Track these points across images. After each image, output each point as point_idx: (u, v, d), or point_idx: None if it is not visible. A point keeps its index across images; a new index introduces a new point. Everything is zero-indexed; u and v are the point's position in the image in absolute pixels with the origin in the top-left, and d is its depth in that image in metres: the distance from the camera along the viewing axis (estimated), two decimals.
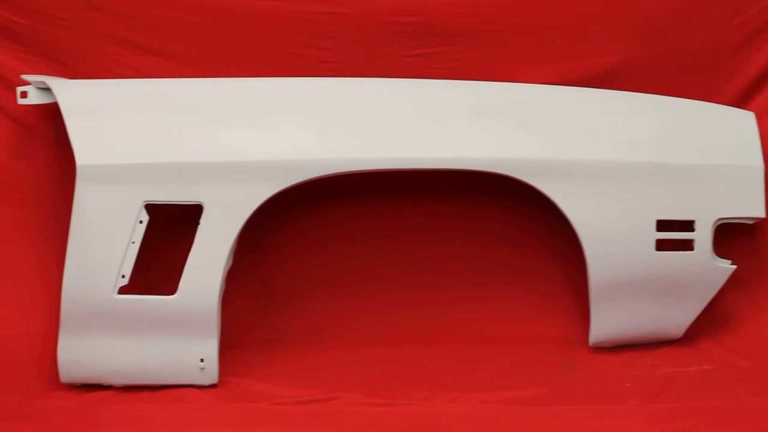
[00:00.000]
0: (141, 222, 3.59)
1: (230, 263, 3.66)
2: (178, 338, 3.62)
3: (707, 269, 3.82)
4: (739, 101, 4.03)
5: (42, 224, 3.89)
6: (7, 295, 3.87)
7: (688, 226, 3.80)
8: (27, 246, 3.90)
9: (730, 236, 3.94)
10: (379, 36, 3.95)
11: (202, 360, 3.64)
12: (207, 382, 3.66)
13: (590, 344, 3.92)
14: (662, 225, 3.77)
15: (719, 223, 3.81)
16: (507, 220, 4.09)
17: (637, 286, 3.79)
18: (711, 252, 3.81)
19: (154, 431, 3.40)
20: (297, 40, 3.95)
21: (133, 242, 3.58)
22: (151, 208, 3.60)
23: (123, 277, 3.58)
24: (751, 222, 3.86)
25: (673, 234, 3.79)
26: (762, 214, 3.83)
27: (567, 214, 3.74)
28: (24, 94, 3.72)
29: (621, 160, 3.76)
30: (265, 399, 3.58)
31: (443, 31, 3.96)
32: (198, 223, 3.61)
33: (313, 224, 4.06)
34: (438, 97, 3.82)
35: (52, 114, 3.81)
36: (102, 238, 3.58)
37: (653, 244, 3.77)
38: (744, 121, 3.90)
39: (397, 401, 3.55)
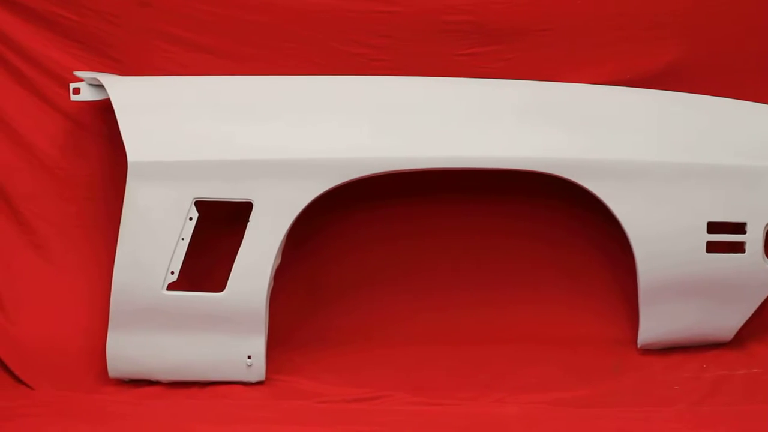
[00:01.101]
0: (191, 219, 3.60)
1: (279, 261, 3.67)
2: (225, 335, 3.63)
3: (758, 272, 3.79)
4: None
5: (94, 220, 3.92)
6: (58, 290, 3.90)
7: (739, 228, 3.77)
8: (79, 241, 3.93)
9: None
10: (430, 35, 3.95)
11: (249, 357, 3.66)
12: (254, 379, 3.68)
13: (639, 346, 3.90)
14: (713, 227, 3.75)
15: None
16: (556, 221, 4.08)
17: (686, 288, 3.77)
18: (762, 254, 3.78)
19: (201, 427, 3.41)
20: (349, 38, 3.96)
21: (183, 239, 3.60)
22: (200, 205, 3.62)
23: (172, 273, 3.60)
24: None
25: (724, 236, 3.76)
26: None
27: (617, 214, 3.73)
28: (76, 91, 3.74)
29: (672, 161, 3.73)
30: (311, 397, 3.60)
31: (494, 30, 3.95)
32: (247, 221, 3.62)
33: (361, 222, 4.07)
34: (488, 97, 3.81)
35: (104, 110, 3.83)
36: (152, 235, 3.60)
37: (704, 246, 3.74)
38: None
39: (444, 401, 3.56)
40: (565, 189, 3.82)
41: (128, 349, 3.64)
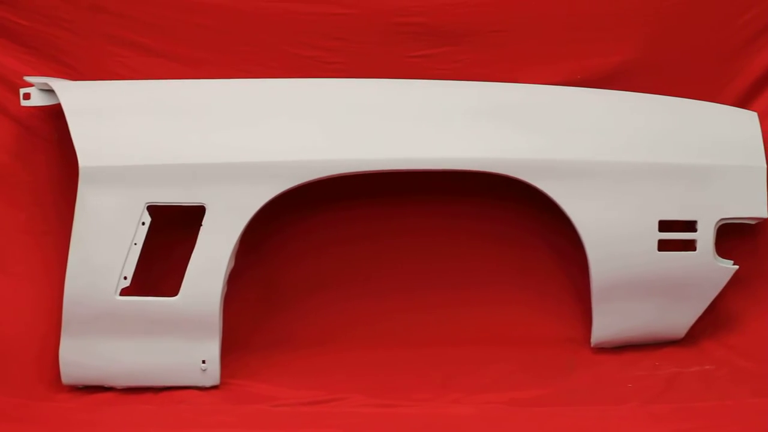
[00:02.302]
0: (143, 223, 3.59)
1: (232, 265, 3.67)
2: (179, 340, 3.62)
3: (709, 269, 3.82)
4: (743, 101, 4.03)
5: (44, 226, 3.88)
6: (9, 297, 3.85)
7: (690, 226, 3.79)
8: (29, 248, 3.89)
9: (732, 236, 3.94)
10: (383, 37, 3.95)
11: (203, 361, 3.65)
12: (209, 383, 3.67)
13: (592, 345, 3.92)
14: (664, 225, 3.77)
15: (721, 223, 3.81)
16: (510, 221, 4.09)
17: (639, 286, 3.79)
18: (713, 252, 3.80)
19: None
20: (301, 41, 3.95)
21: (135, 244, 3.59)
22: (153, 210, 3.60)
23: (125, 278, 3.58)
24: (753, 222, 3.87)
25: (676, 234, 3.79)
26: (764, 215, 3.83)
27: (569, 214, 3.74)
28: (27, 96, 3.71)
29: (623, 161, 3.76)
30: (266, 400, 3.58)
31: (447, 31, 3.96)
32: (200, 225, 3.61)
33: (315, 225, 4.06)
34: (441, 98, 3.82)
35: (54, 115, 3.81)
36: (104, 240, 3.58)
37: (655, 245, 3.77)
38: (747, 121, 3.90)
39: (400, 402, 3.55)
40: (519, 189, 3.82)
41: (81, 356, 3.61)
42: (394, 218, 4.09)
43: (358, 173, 3.71)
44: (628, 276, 3.78)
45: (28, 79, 3.76)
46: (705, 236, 3.78)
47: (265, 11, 3.94)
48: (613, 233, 3.76)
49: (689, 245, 3.79)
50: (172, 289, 3.61)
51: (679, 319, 3.88)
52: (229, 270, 3.66)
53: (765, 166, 3.83)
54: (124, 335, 3.61)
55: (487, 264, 4.10)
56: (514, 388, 3.64)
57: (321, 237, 4.08)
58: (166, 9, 3.93)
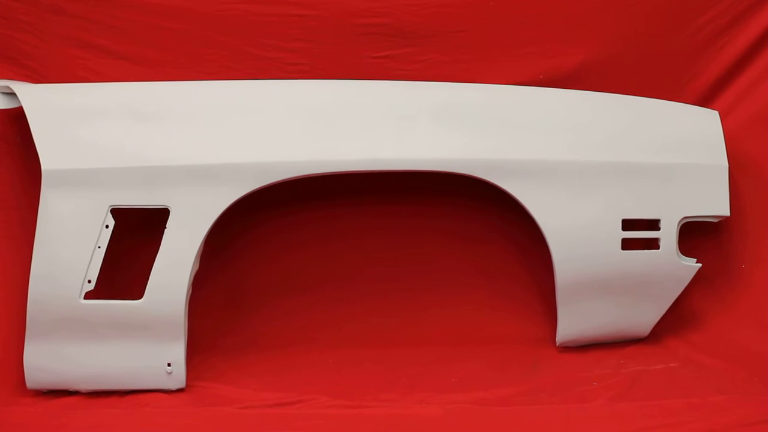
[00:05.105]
0: (107, 227, 3.57)
1: (197, 267, 3.66)
2: (145, 343, 3.60)
3: (673, 268, 3.84)
4: (704, 100, 4.06)
5: (7, 230, 3.84)
6: None
7: (653, 225, 3.82)
8: None
9: (695, 234, 3.96)
10: (345, 38, 3.96)
11: (169, 364, 3.63)
12: (174, 386, 3.65)
13: (557, 344, 3.93)
14: (627, 224, 3.79)
15: (684, 221, 3.83)
16: (474, 221, 4.10)
17: (603, 285, 3.81)
18: (676, 250, 3.83)
19: None
20: (263, 43, 3.95)
21: (99, 247, 3.57)
22: (117, 213, 3.59)
23: (89, 282, 3.56)
24: (716, 220, 3.89)
25: (639, 233, 3.81)
26: (726, 213, 3.86)
27: (533, 214, 3.76)
28: None
29: (586, 160, 3.77)
30: (232, 403, 3.57)
31: (409, 32, 3.97)
32: (164, 227, 3.60)
33: (280, 228, 4.06)
34: (404, 99, 3.82)
35: (16, 118, 3.78)
36: (68, 243, 3.56)
37: (619, 244, 3.78)
38: (709, 119, 3.92)
39: (366, 403, 3.55)
40: (483, 189, 3.83)
41: (46, 360, 3.59)
42: (358, 219, 4.09)
43: (322, 175, 3.70)
44: (592, 275, 3.80)
45: None
46: (668, 234, 3.80)
47: (226, 13, 3.93)
48: (576, 232, 3.77)
49: (652, 244, 3.82)
50: (137, 292, 3.60)
51: (644, 317, 3.90)
52: (194, 272, 3.65)
53: (727, 164, 3.86)
54: (88, 339, 3.59)
55: (452, 264, 4.11)
56: (479, 388, 3.64)
57: (285, 239, 4.07)
58: (126, 11, 3.92)
